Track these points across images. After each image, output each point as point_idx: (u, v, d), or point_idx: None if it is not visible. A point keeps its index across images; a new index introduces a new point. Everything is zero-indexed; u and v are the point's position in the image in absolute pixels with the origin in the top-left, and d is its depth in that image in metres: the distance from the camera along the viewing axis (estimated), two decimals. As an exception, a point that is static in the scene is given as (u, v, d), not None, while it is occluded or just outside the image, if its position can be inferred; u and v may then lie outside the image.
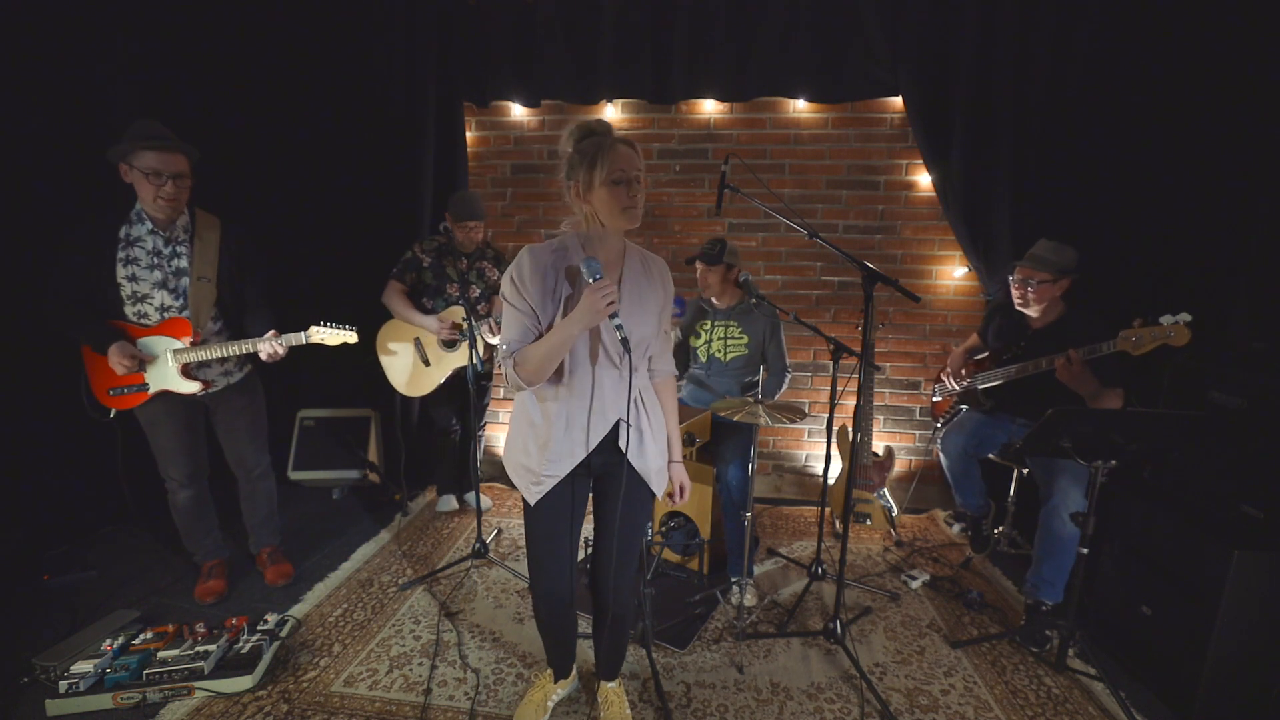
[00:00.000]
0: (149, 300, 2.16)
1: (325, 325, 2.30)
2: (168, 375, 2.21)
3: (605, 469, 1.60)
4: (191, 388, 2.23)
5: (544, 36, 3.22)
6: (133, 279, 2.13)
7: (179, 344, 2.19)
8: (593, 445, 1.52)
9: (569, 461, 1.52)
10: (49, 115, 2.61)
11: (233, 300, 2.30)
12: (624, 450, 1.54)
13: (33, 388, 2.67)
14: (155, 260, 2.15)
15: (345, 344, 2.38)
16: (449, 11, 3.25)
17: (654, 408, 1.64)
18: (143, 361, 2.16)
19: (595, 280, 1.35)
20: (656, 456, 1.63)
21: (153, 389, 2.21)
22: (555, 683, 1.89)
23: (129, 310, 2.16)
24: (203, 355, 2.20)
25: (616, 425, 1.54)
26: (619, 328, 1.37)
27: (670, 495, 1.71)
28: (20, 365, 2.63)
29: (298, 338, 2.26)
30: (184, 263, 2.19)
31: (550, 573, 1.62)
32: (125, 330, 2.16)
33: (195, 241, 2.20)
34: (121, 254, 2.11)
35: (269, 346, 2.19)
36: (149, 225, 2.14)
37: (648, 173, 3.39)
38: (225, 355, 2.23)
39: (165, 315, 2.18)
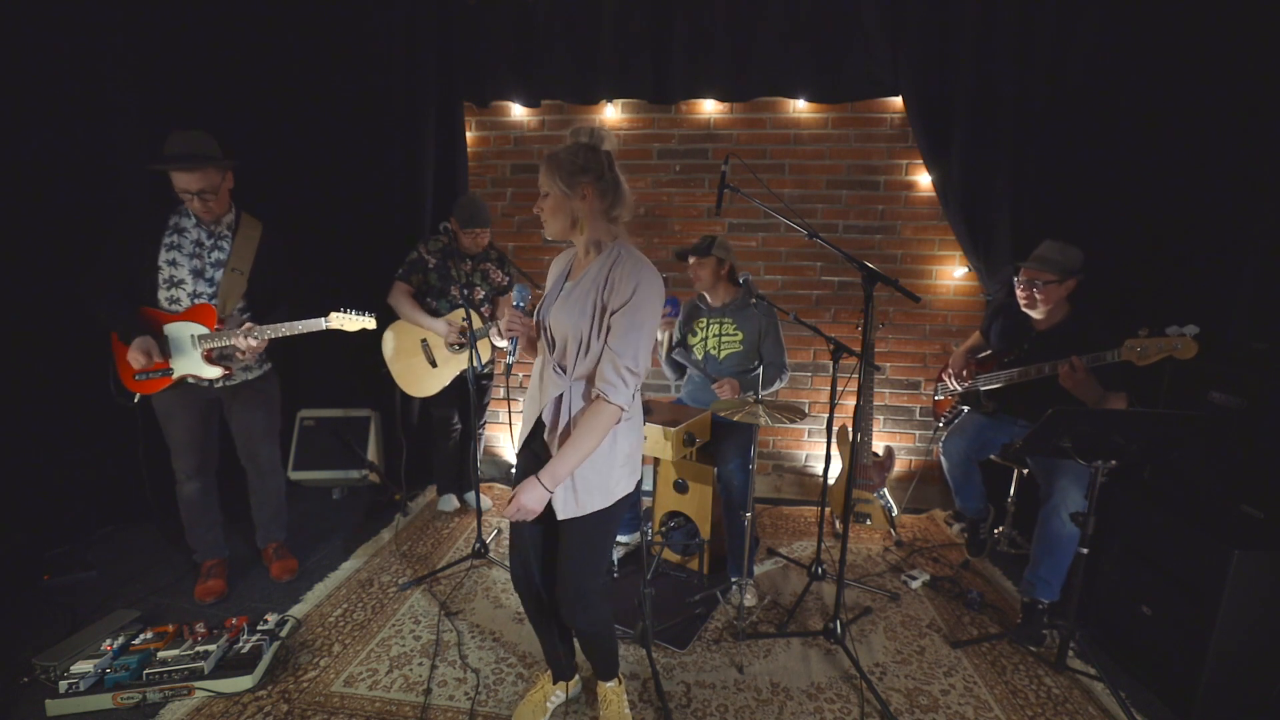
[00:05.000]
0: (182, 286, 2.23)
1: (344, 311, 2.35)
2: (192, 360, 2.25)
3: None
4: (214, 372, 2.28)
5: (544, 36, 3.22)
6: (172, 264, 2.21)
7: (203, 330, 2.23)
8: (525, 431, 1.63)
9: (517, 443, 1.68)
10: (56, 124, 2.64)
11: (261, 295, 2.36)
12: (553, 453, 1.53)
13: (33, 388, 2.68)
14: (196, 250, 2.24)
15: (364, 330, 2.42)
16: (449, 11, 3.25)
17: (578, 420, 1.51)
18: (168, 346, 2.22)
19: (515, 306, 1.63)
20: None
21: (177, 374, 2.26)
22: (555, 684, 1.89)
23: (162, 295, 2.22)
24: (224, 341, 2.24)
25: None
26: (510, 353, 1.63)
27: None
28: (21, 366, 2.63)
29: (317, 323, 2.30)
30: (223, 255, 2.27)
31: (513, 562, 1.70)
32: (153, 316, 2.22)
33: (236, 238, 2.29)
34: (167, 239, 2.21)
35: (243, 341, 2.23)
36: (194, 219, 2.24)
37: (648, 172, 3.45)
38: (260, 340, 2.27)
39: (195, 302, 2.24)
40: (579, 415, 1.50)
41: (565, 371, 1.52)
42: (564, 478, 1.49)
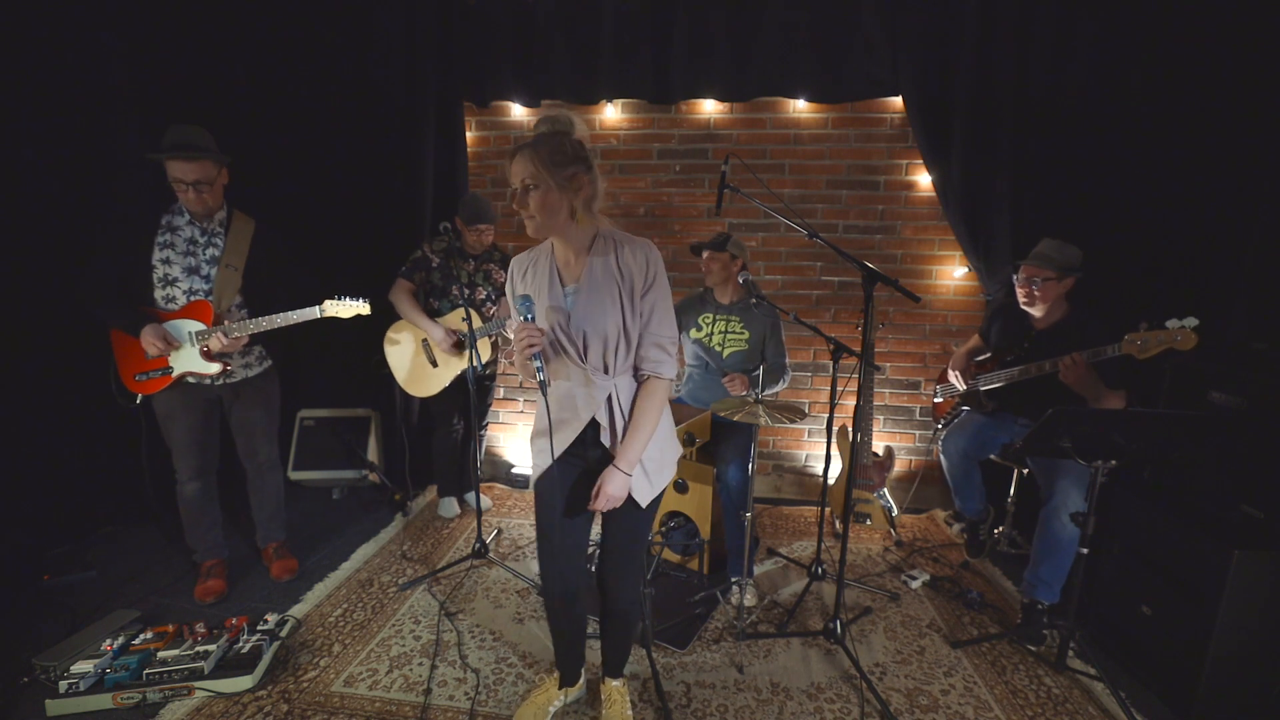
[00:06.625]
0: (178, 284, 2.24)
1: (338, 299, 2.35)
2: (190, 357, 2.26)
3: (601, 465, 1.61)
4: (213, 369, 2.29)
5: (544, 36, 3.22)
6: (166, 262, 2.23)
7: (200, 326, 2.24)
8: (567, 439, 1.58)
9: (547, 455, 1.59)
10: (56, 121, 2.65)
11: (259, 290, 2.37)
12: (608, 448, 1.56)
13: (34, 388, 2.68)
14: (190, 248, 2.25)
15: (359, 316, 2.41)
16: (449, 11, 3.25)
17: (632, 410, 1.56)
18: (168, 344, 2.23)
19: (524, 320, 1.46)
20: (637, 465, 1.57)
21: (176, 371, 2.26)
22: (560, 688, 1.89)
23: (158, 294, 2.23)
24: (221, 337, 2.24)
25: (597, 423, 1.56)
26: (539, 369, 1.48)
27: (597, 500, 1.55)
28: (21, 366, 2.63)
29: (311, 312, 2.31)
30: (217, 252, 2.28)
31: (543, 563, 1.71)
32: (151, 315, 2.23)
33: (229, 234, 2.30)
34: (160, 239, 2.22)
35: (217, 341, 2.22)
36: (187, 217, 2.25)
37: (648, 172, 3.44)
38: (240, 334, 2.27)
39: (191, 299, 2.25)
40: (637, 402, 1.55)
41: (608, 371, 1.52)
42: (637, 460, 1.54)
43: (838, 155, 3.33)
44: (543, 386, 1.49)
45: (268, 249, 2.36)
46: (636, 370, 1.55)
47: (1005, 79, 2.92)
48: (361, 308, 2.39)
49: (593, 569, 1.93)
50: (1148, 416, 1.96)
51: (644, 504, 1.59)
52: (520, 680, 2.03)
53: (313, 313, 2.31)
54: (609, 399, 1.53)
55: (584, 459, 1.62)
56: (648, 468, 1.58)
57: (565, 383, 1.56)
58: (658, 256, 1.50)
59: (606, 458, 1.57)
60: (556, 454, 1.58)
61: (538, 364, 1.48)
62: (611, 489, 1.52)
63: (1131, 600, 2.11)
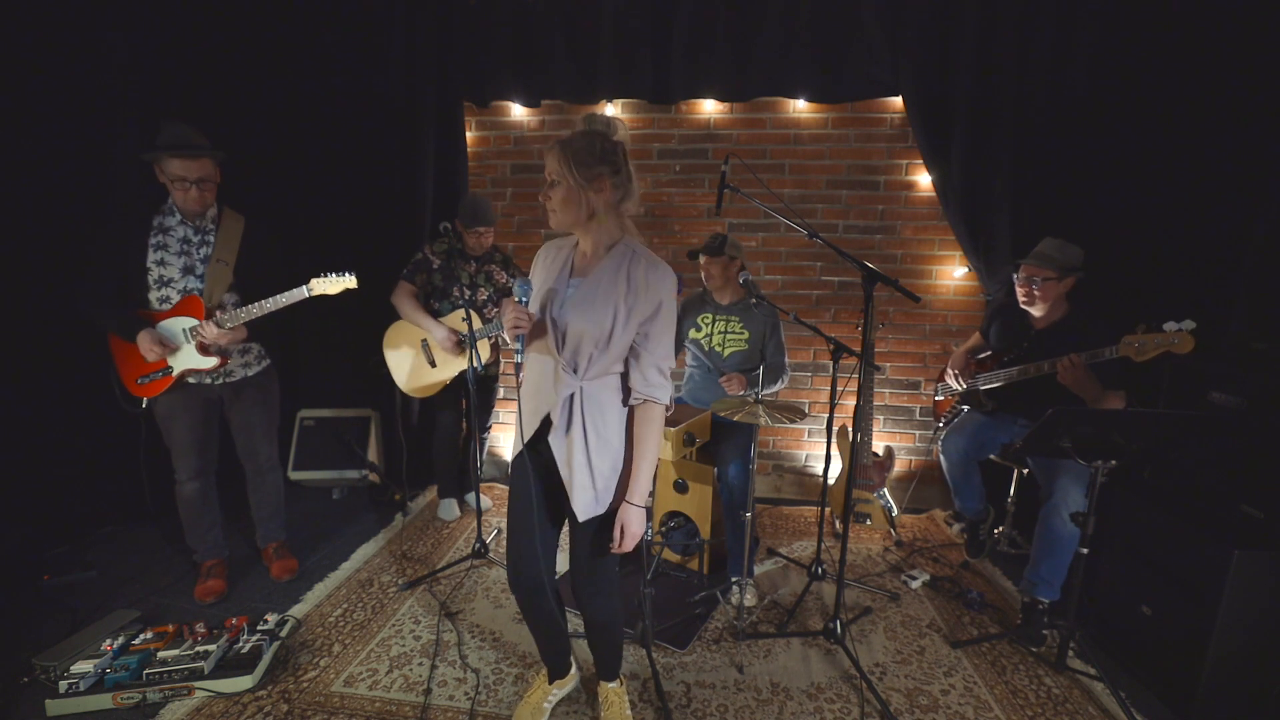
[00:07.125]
0: (173, 284, 2.24)
1: (325, 275, 2.34)
2: (188, 355, 2.26)
3: (552, 465, 1.57)
4: (210, 363, 2.29)
5: (544, 36, 3.22)
6: (161, 263, 2.23)
7: (193, 322, 2.24)
8: (528, 431, 1.57)
9: (519, 440, 1.60)
10: (56, 121, 2.65)
11: (250, 286, 2.36)
12: (553, 448, 1.53)
13: (34, 388, 2.68)
14: (183, 248, 2.26)
15: (353, 306, 2.42)
16: (449, 11, 3.25)
17: (606, 425, 1.52)
18: (165, 347, 2.23)
19: (517, 302, 1.51)
20: (584, 474, 1.50)
21: (176, 371, 2.27)
22: (551, 683, 1.89)
23: (153, 296, 2.24)
24: (214, 332, 2.24)
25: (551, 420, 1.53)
26: (518, 351, 1.53)
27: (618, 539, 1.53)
28: (21, 366, 2.63)
29: (299, 293, 2.29)
30: (210, 250, 2.29)
31: (510, 556, 1.68)
32: (146, 318, 2.23)
33: (220, 231, 2.31)
34: (153, 240, 2.22)
35: (210, 331, 2.21)
36: (179, 217, 2.25)
37: (648, 172, 3.44)
38: (234, 324, 2.26)
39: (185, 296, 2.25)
40: (636, 429, 1.54)
41: (577, 371, 1.50)
42: (648, 488, 1.54)
43: (838, 155, 3.33)
44: (518, 368, 1.52)
45: (258, 243, 2.36)
46: (630, 392, 1.52)
47: (1005, 79, 2.92)
48: (349, 282, 2.37)
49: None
50: (1148, 416, 1.96)
51: (583, 518, 1.53)
52: (520, 680, 2.03)
53: (301, 293, 2.29)
54: (568, 399, 1.50)
55: (542, 456, 1.58)
56: (598, 485, 1.53)
57: (539, 370, 1.55)
58: (671, 286, 1.48)
59: (553, 460, 1.54)
60: (527, 436, 1.57)
61: (519, 345, 1.52)
62: (634, 527, 1.52)
63: (1131, 600, 2.11)
